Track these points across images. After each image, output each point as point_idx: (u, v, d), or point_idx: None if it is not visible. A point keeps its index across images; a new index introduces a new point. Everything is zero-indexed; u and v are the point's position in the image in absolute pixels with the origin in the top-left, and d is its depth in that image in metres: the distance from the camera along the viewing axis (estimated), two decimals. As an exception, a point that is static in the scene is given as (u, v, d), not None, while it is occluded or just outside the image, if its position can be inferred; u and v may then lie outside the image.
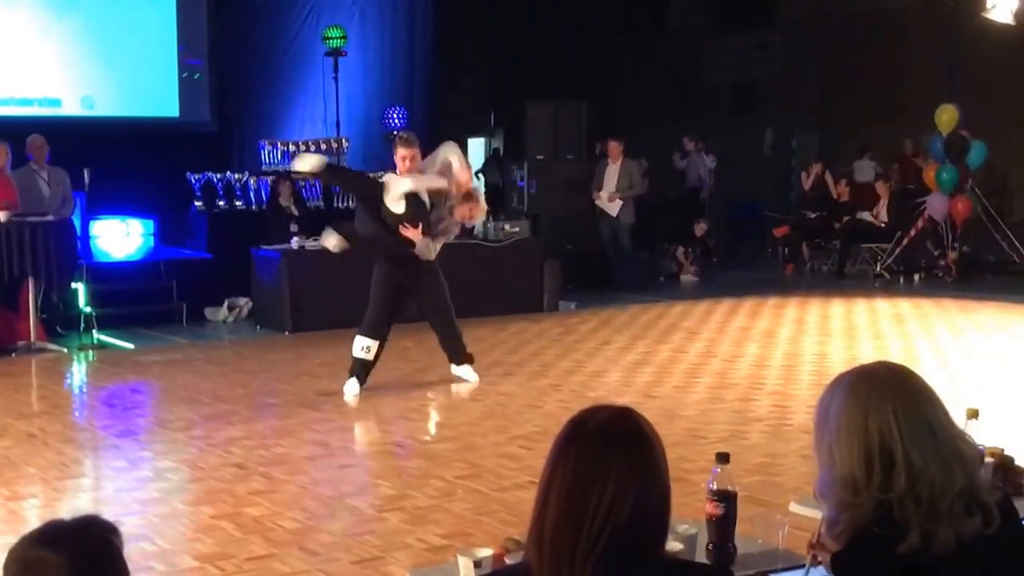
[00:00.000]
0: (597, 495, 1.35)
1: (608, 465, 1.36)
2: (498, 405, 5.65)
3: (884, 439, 1.49)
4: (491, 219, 9.50)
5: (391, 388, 6.07)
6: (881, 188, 11.44)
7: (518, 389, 6.02)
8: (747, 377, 6.24)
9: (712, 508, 1.97)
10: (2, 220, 7.12)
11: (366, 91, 11.44)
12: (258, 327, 8.35)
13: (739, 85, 16.04)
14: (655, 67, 16.53)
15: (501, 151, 16.08)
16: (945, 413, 1.55)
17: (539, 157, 10.38)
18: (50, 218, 7.44)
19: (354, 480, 4.41)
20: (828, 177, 12.06)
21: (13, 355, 7.15)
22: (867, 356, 6.76)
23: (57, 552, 1.37)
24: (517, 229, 9.22)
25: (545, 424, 5.14)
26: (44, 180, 7.85)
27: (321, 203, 9.72)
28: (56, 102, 9.83)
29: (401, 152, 5.80)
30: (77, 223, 7.98)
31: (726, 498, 1.96)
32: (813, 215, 11.87)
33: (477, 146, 17.50)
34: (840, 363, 6.56)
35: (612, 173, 10.25)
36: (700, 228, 11.47)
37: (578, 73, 14.95)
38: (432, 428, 5.49)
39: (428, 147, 12.21)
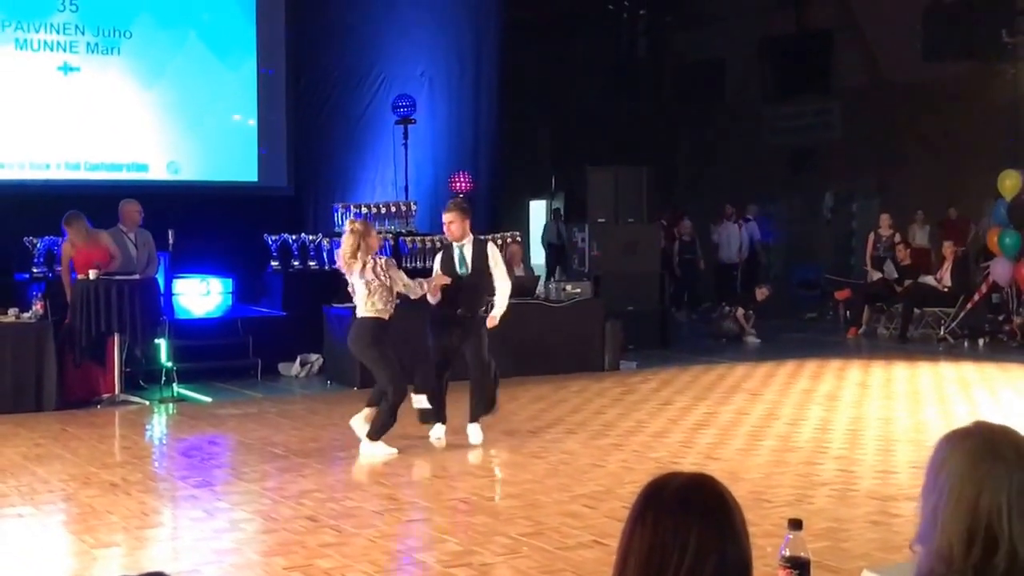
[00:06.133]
0: (676, 560, 1.32)
1: (687, 529, 1.34)
2: (561, 463, 5.73)
3: (992, 522, 1.41)
4: (553, 279, 9.68)
5: (455, 444, 6.22)
6: (947, 251, 11.36)
7: (580, 448, 6.10)
8: (811, 440, 6.22)
9: (786, 575, 1.93)
10: (91, 278, 7.51)
11: (434, 156, 11.82)
12: (328, 382, 8.58)
13: (798, 150, 16.09)
14: (714, 133, 16.68)
15: (562, 211, 16.34)
16: None
17: (600, 220, 10.53)
18: (136, 277, 7.80)
19: (421, 535, 4.50)
20: (898, 238, 11.99)
21: (98, 407, 7.47)
22: (933, 421, 6.70)
23: None
24: (579, 290, 9.37)
25: (608, 484, 5.21)
26: (132, 241, 8.26)
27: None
28: (143, 167, 10.37)
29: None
30: (161, 281, 8.33)
31: (799, 565, 1.92)
32: (876, 277, 11.79)
33: (538, 208, 17.79)
34: (906, 428, 6.52)
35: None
36: (761, 293, 11.46)
37: (638, 139, 15.19)
38: (496, 485, 5.60)
39: (489, 210, 12.43)
